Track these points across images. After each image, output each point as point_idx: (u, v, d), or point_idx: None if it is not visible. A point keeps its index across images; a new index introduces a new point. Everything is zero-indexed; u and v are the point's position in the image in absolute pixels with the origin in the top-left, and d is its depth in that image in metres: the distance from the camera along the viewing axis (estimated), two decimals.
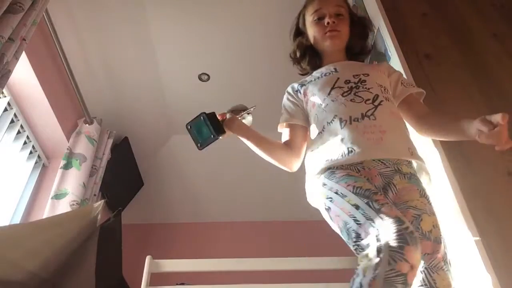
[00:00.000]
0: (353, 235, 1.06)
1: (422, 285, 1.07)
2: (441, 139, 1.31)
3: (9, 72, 1.62)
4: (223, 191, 3.61)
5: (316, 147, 1.35)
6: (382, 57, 1.78)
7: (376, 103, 1.33)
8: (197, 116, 1.61)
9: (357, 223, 1.05)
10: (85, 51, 2.67)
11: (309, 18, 1.57)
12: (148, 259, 2.20)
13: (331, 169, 1.24)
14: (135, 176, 3.45)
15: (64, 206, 2.26)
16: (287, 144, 1.46)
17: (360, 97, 1.35)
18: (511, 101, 1.46)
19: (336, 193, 1.16)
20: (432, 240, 1.11)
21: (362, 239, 1.03)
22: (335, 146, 1.27)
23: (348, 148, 1.24)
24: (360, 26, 1.61)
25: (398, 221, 0.99)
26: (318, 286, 1.65)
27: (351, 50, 1.58)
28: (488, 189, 1.23)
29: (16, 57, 1.66)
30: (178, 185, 3.68)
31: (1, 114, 2.16)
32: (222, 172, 3.54)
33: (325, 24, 1.51)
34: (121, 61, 2.80)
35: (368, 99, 1.34)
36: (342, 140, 1.27)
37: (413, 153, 1.28)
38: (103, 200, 1.43)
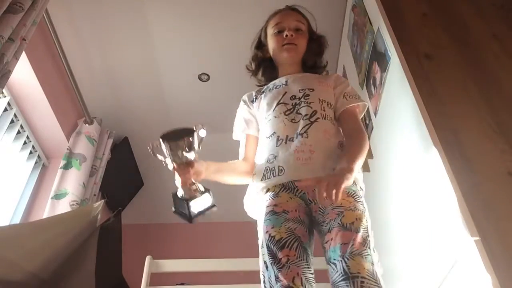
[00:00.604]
0: None
1: (339, 274, 1.09)
2: None
3: (9, 72, 1.62)
4: (223, 191, 3.61)
5: (258, 162, 1.46)
6: (382, 57, 1.79)
7: (312, 119, 1.40)
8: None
9: (264, 285, 1.18)
10: (85, 51, 2.67)
11: (270, 31, 1.63)
12: (148, 259, 2.20)
13: (269, 191, 1.34)
14: (135, 176, 3.44)
15: (64, 206, 2.26)
16: (245, 159, 1.52)
17: (300, 114, 1.43)
18: (511, 101, 1.46)
19: (260, 237, 1.27)
20: (351, 230, 1.15)
21: None
22: (269, 162, 1.38)
23: (279, 167, 1.34)
24: (316, 43, 1.64)
25: None
26: (318, 286, 1.65)
27: (305, 63, 1.62)
28: (488, 189, 1.22)
29: (16, 57, 1.66)
30: None
31: (1, 114, 2.16)
32: None
33: (284, 36, 1.56)
34: (121, 61, 2.80)
35: (306, 115, 1.42)
36: (275, 157, 1.37)
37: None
38: (103, 200, 1.43)
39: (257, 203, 1.39)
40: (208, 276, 2.49)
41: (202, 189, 1.31)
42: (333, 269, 1.12)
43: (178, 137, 1.26)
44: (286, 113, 1.44)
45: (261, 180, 1.37)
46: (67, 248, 1.25)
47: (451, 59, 1.59)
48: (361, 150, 1.33)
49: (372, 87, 1.94)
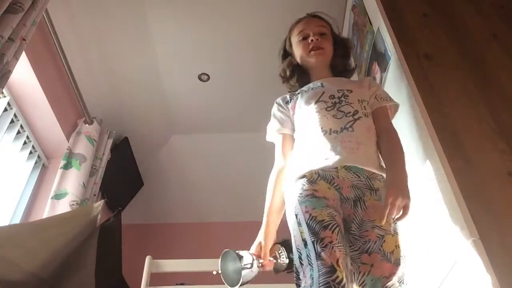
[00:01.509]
0: (296, 270, 1.18)
1: None
2: None
3: (9, 72, 1.62)
4: (223, 191, 3.61)
5: (296, 154, 1.44)
6: (382, 57, 1.79)
7: (355, 117, 1.41)
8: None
9: (300, 262, 1.17)
10: (85, 51, 2.67)
11: (295, 39, 1.65)
12: (148, 259, 2.20)
13: (306, 177, 1.31)
14: (135, 176, 3.45)
15: (64, 206, 2.26)
16: (283, 157, 1.49)
17: (342, 111, 1.43)
18: (511, 101, 1.46)
19: (296, 216, 1.24)
20: (392, 262, 1.17)
21: (300, 280, 1.16)
22: (314, 153, 1.36)
23: (325, 155, 1.33)
24: (342, 46, 1.66)
25: (330, 271, 1.08)
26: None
27: (335, 68, 1.63)
28: (488, 189, 1.22)
29: (16, 57, 1.66)
30: (178, 185, 3.68)
31: (1, 114, 2.16)
32: (222, 172, 3.54)
33: (309, 41, 1.58)
34: (121, 61, 2.80)
35: (349, 112, 1.42)
36: (320, 147, 1.36)
37: (382, 168, 1.36)
38: (103, 200, 1.43)
39: (292, 193, 1.34)
40: (208, 276, 2.48)
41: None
42: None
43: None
44: (328, 109, 1.44)
45: (302, 166, 1.35)
46: (67, 248, 1.25)
47: (451, 59, 1.59)
48: (399, 154, 1.36)
49: None
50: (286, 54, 1.70)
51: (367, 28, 1.99)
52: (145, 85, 3.00)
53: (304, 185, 1.29)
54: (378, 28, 1.81)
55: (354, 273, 1.19)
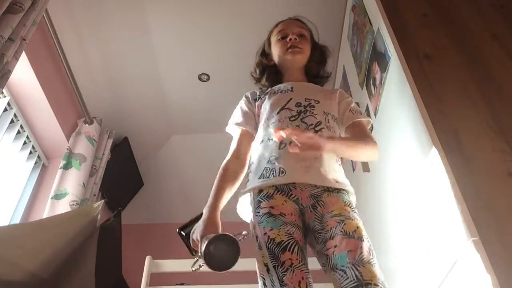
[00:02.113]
0: None
1: (351, 281, 1.09)
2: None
3: (9, 72, 1.62)
4: None
5: (253, 156, 1.44)
6: (382, 57, 1.79)
7: (317, 129, 1.40)
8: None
9: (264, 286, 1.16)
10: (85, 51, 2.67)
11: (274, 39, 1.66)
12: (148, 259, 2.20)
13: (263, 192, 1.31)
14: (135, 176, 3.45)
15: (64, 206, 2.26)
16: (237, 155, 1.46)
17: (305, 123, 1.42)
18: (511, 101, 1.46)
19: (257, 238, 1.25)
20: (355, 238, 1.17)
21: None
22: (270, 163, 1.36)
23: (280, 168, 1.33)
24: (319, 51, 1.66)
25: None
26: (319, 286, 1.66)
27: (309, 72, 1.62)
28: (488, 189, 1.22)
29: (16, 57, 1.66)
30: (178, 185, 3.68)
31: (1, 114, 2.16)
32: None
33: (288, 40, 1.59)
34: (121, 61, 2.81)
35: (311, 124, 1.41)
36: (276, 159, 1.35)
37: (337, 182, 1.35)
38: (103, 200, 1.43)
39: (246, 203, 1.38)
40: (208, 276, 2.48)
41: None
42: (342, 276, 1.12)
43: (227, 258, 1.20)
44: (291, 119, 1.43)
45: (259, 178, 1.35)
46: (67, 248, 1.25)
47: (451, 59, 1.59)
48: (356, 143, 1.39)
49: (372, 87, 1.94)
50: (263, 53, 1.71)
51: (367, 28, 1.99)
52: (145, 85, 3.01)
53: (261, 202, 1.30)
54: (378, 28, 1.81)
55: (324, 264, 1.20)
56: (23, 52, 1.82)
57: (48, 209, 2.23)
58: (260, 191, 1.33)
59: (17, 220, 2.22)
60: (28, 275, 1.16)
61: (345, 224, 1.20)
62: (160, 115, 3.25)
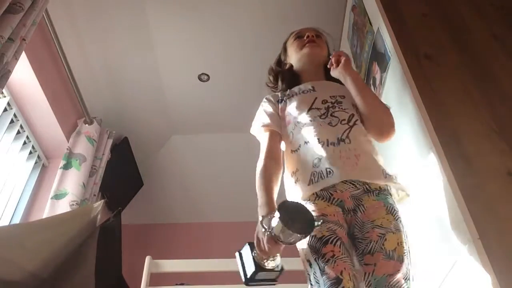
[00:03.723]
0: None
1: None
2: (370, 114, 1.43)
3: (9, 72, 1.62)
4: (223, 191, 3.61)
5: (295, 168, 1.38)
6: (382, 57, 1.79)
7: (351, 123, 1.39)
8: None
9: (310, 284, 1.16)
10: (85, 51, 2.67)
11: (290, 42, 1.67)
12: (148, 259, 2.20)
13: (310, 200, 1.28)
14: (135, 176, 3.44)
15: (63, 206, 2.26)
16: (271, 157, 1.40)
17: (336, 117, 1.40)
18: (511, 101, 1.46)
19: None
20: (395, 259, 1.16)
21: None
22: (315, 167, 1.31)
23: (326, 169, 1.29)
24: None
25: (336, 283, 1.08)
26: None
27: (329, 72, 1.60)
28: (488, 189, 1.22)
29: (16, 57, 1.66)
30: (178, 185, 3.68)
31: (1, 114, 2.16)
32: (222, 172, 3.54)
33: (305, 38, 1.60)
34: (121, 61, 2.80)
35: (344, 119, 1.39)
36: (319, 160, 1.31)
37: (386, 176, 1.33)
38: (102, 200, 1.43)
39: None
40: (208, 276, 2.48)
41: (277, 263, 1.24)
42: None
43: (302, 226, 1.13)
44: (322, 117, 1.40)
45: (309, 185, 1.30)
46: (67, 248, 1.25)
47: (451, 59, 1.59)
48: (375, 95, 1.45)
49: (372, 87, 1.94)
50: (279, 62, 1.71)
51: (367, 28, 1.99)
52: (145, 85, 3.00)
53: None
54: (378, 28, 1.81)
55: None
56: (23, 52, 1.82)
57: (48, 209, 2.23)
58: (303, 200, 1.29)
59: (17, 220, 2.22)
60: (28, 275, 1.16)
61: (386, 239, 1.18)
62: (160, 115, 3.25)
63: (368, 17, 1.97)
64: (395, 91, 1.67)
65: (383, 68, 1.77)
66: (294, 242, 1.15)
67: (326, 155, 1.31)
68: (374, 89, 1.92)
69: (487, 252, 1.08)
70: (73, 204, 2.29)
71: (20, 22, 1.63)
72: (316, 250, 1.16)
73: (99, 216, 1.33)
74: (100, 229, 1.32)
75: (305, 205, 1.22)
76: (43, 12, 1.93)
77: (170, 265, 2.24)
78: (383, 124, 1.42)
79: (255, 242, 1.21)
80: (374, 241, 1.19)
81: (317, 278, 1.12)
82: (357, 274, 1.16)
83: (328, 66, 1.51)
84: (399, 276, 1.14)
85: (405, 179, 1.60)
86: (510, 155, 1.29)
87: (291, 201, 1.23)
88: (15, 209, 2.25)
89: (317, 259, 1.14)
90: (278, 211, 1.12)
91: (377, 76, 1.86)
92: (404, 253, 1.18)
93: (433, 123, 1.36)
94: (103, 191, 2.82)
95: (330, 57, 1.51)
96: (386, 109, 1.44)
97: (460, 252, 1.18)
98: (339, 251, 1.14)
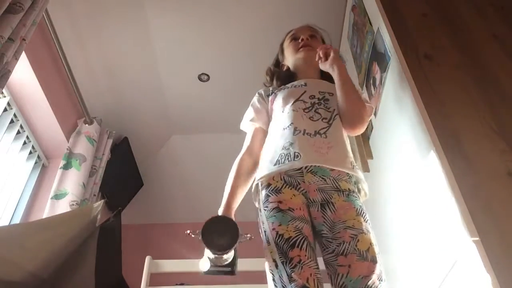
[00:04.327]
0: None
1: None
2: (346, 105, 1.45)
3: (8, 72, 1.62)
4: (223, 191, 3.61)
5: (267, 147, 1.45)
6: (382, 57, 1.78)
7: (331, 122, 1.43)
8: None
9: (274, 285, 1.16)
10: (85, 51, 2.67)
11: (286, 43, 1.70)
12: (148, 259, 2.20)
13: (271, 186, 1.30)
14: (135, 176, 3.45)
15: (63, 206, 2.26)
16: (249, 152, 1.48)
17: (318, 114, 1.44)
18: (511, 101, 1.46)
19: (265, 233, 1.25)
20: (369, 259, 1.17)
21: None
22: (285, 149, 1.36)
23: (295, 153, 1.33)
24: None
25: None
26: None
27: (324, 72, 1.62)
28: (488, 189, 1.22)
29: (16, 57, 1.66)
30: (178, 185, 3.68)
31: (1, 114, 2.16)
32: (222, 172, 3.53)
33: (300, 40, 1.64)
34: (121, 61, 2.80)
35: (325, 118, 1.44)
36: (291, 144, 1.36)
37: (354, 167, 1.37)
38: (102, 200, 1.43)
39: (258, 192, 1.37)
40: (208, 276, 2.48)
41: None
42: None
43: (228, 240, 1.19)
44: (305, 110, 1.45)
45: (274, 165, 1.34)
46: (67, 248, 1.25)
47: (451, 59, 1.59)
48: (354, 88, 1.46)
49: (372, 87, 1.94)
50: (277, 63, 1.74)
51: (367, 28, 1.99)
52: (145, 85, 3.00)
53: (269, 196, 1.30)
54: (378, 28, 1.81)
55: (331, 276, 1.19)
56: (23, 52, 1.82)
57: (48, 209, 2.23)
58: (269, 184, 1.32)
59: (17, 220, 2.22)
60: (28, 275, 1.16)
61: (358, 240, 1.20)
62: (160, 115, 3.25)
63: (368, 17, 1.97)
64: (395, 91, 1.67)
65: (383, 68, 1.77)
66: (226, 253, 1.21)
67: (298, 141, 1.36)
68: (374, 89, 1.92)
69: (487, 252, 1.08)
70: (73, 204, 2.29)
71: (20, 22, 1.63)
72: (282, 252, 1.17)
73: (99, 216, 1.33)
74: (100, 229, 1.32)
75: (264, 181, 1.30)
76: (43, 12, 1.93)
77: (170, 265, 2.24)
78: (355, 115, 1.45)
79: None
80: (347, 242, 1.20)
81: (284, 283, 1.13)
82: (321, 275, 1.17)
83: (316, 60, 1.54)
84: (374, 277, 1.15)
85: (405, 179, 1.61)
86: (510, 155, 1.29)
87: (215, 217, 1.25)
88: (15, 209, 2.25)
89: (284, 263, 1.15)
90: (202, 234, 1.18)
91: (377, 76, 1.86)
92: (376, 254, 1.20)
93: (433, 123, 1.36)
94: (103, 191, 2.82)
95: (317, 49, 1.54)
96: (363, 103, 1.49)
97: (460, 252, 1.18)
98: (305, 256, 1.16)
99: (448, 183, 1.23)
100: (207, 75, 2.97)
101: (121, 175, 3.17)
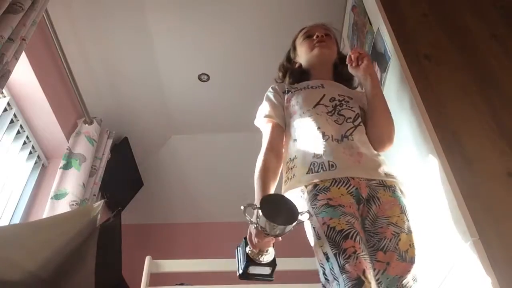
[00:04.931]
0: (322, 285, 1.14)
1: None
2: (377, 122, 1.43)
3: (8, 72, 1.62)
4: (223, 191, 3.61)
5: (293, 155, 1.37)
6: (382, 57, 1.79)
7: (356, 123, 1.40)
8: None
9: (325, 278, 1.12)
10: (85, 51, 2.67)
11: (299, 40, 1.65)
12: (147, 259, 2.21)
13: (317, 186, 1.24)
14: (135, 176, 3.44)
15: (63, 206, 2.26)
16: (272, 149, 1.41)
17: (342, 115, 1.41)
18: (511, 101, 1.46)
19: (314, 229, 1.19)
20: (407, 260, 1.17)
21: None
22: (316, 158, 1.31)
23: (329, 162, 1.28)
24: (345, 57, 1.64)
25: (357, 284, 1.04)
26: (319, 286, 1.65)
27: (340, 76, 1.60)
28: (488, 189, 1.22)
29: (16, 57, 1.66)
30: (178, 185, 3.68)
31: (1, 114, 2.16)
32: (222, 172, 3.54)
33: (314, 38, 1.59)
34: (121, 61, 2.80)
35: (350, 118, 1.40)
36: (322, 152, 1.31)
37: (387, 174, 1.33)
38: (102, 200, 1.43)
39: (295, 198, 1.29)
40: (208, 276, 2.48)
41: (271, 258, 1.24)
42: None
43: (286, 218, 1.15)
44: (329, 113, 1.41)
45: (307, 173, 1.28)
46: (67, 247, 1.25)
47: (451, 59, 1.59)
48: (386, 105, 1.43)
49: None
50: (288, 59, 1.70)
51: (367, 28, 1.99)
52: (145, 85, 3.00)
53: (317, 194, 1.23)
54: (378, 28, 1.81)
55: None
56: (23, 52, 1.82)
57: (48, 209, 2.23)
58: (316, 185, 1.26)
59: (17, 220, 2.22)
60: (28, 275, 1.16)
61: (400, 240, 1.18)
62: (160, 115, 3.25)
63: (368, 17, 1.97)
64: (395, 91, 1.67)
65: (383, 68, 1.77)
66: (280, 235, 1.15)
67: (329, 149, 1.31)
68: None
69: (487, 252, 1.08)
70: (73, 204, 2.29)
71: (20, 22, 1.63)
72: (335, 243, 1.11)
73: (99, 216, 1.33)
74: (100, 229, 1.32)
75: (287, 196, 1.24)
76: (43, 12, 1.93)
77: (170, 265, 2.24)
78: (385, 134, 1.43)
79: (247, 236, 1.22)
80: (388, 239, 1.19)
81: (335, 275, 1.08)
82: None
83: (347, 62, 1.48)
84: (409, 277, 1.15)
85: (405, 179, 1.61)
86: (510, 155, 1.30)
87: (274, 194, 1.24)
88: (15, 209, 2.25)
89: (337, 254, 1.09)
90: (260, 205, 1.15)
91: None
92: (415, 255, 1.19)
93: (433, 123, 1.36)
94: (103, 191, 2.82)
95: (350, 53, 1.48)
96: (392, 121, 1.44)
97: (459, 252, 1.18)
98: (360, 248, 1.11)
99: (448, 183, 1.23)
100: (207, 75, 2.97)
101: (121, 175, 3.17)
